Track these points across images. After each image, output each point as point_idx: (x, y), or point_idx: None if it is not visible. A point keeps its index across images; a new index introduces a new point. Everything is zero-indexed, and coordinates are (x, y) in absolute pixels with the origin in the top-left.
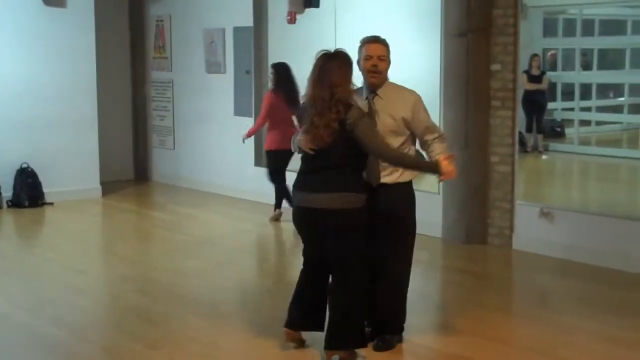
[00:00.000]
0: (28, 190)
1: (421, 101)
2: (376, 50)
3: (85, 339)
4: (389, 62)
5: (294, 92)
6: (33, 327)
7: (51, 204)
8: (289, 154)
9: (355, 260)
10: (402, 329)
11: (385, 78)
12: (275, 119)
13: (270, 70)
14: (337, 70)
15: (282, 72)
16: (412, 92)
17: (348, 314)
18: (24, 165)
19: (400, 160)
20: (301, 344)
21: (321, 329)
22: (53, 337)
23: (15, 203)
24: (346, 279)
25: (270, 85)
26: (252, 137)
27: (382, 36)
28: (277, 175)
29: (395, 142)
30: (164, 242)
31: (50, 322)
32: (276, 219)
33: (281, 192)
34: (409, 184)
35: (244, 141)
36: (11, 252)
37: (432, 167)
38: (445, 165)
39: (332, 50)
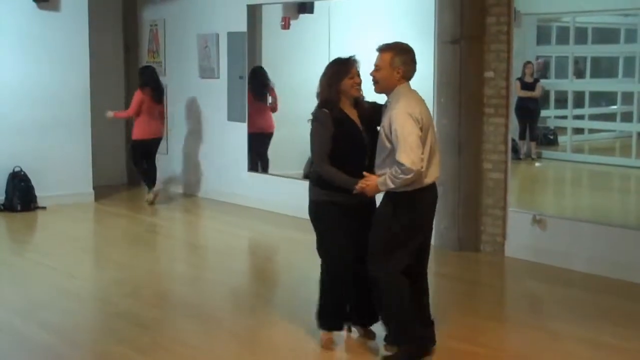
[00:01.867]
0: (20, 194)
1: (402, 119)
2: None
3: (76, 344)
4: (385, 70)
5: (160, 90)
6: (23, 331)
7: (44, 208)
8: (155, 141)
9: (320, 253)
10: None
11: (389, 85)
12: (142, 113)
13: (139, 71)
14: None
15: (147, 73)
16: (401, 103)
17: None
18: (17, 169)
19: (320, 171)
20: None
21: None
22: (43, 342)
23: (8, 207)
24: (322, 267)
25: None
26: (246, 141)
27: (376, 42)
28: (141, 160)
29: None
30: (156, 247)
31: (41, 326)
32: (152, 201)
33: (147, 173)
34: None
35: (107, 116)
36: (3, 256)
37: (349, 185)
38: (364, 182)
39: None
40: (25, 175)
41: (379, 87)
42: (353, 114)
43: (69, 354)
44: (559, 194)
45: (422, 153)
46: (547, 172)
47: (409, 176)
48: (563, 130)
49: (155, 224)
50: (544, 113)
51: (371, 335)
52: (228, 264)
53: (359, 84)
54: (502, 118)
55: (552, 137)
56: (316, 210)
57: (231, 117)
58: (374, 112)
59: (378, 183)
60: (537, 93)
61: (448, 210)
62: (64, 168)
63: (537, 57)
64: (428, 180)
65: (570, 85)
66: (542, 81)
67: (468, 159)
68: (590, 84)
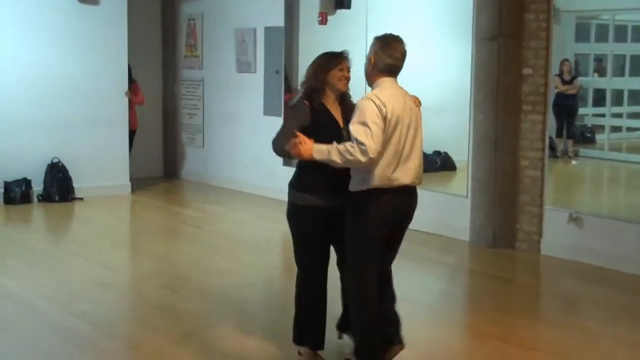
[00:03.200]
0: (58, 185)
1: (363, 104)
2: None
3: (111, 334)
4: (366, 59)
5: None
6: (60, 321)
7: (81, 199)
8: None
9: (296, 258)
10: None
11: (368, 75)
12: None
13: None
14: None
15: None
16: (370, 93)
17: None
18: (55, 160)
19: (275, 150)
20: None
21: None
22: (79, 331)
23: (46, 197)
24: (297, 277)
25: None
26: None
27: (413, 39)
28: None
29: None
30: (191, 239)
31: (77, 316)
32: None
33: None
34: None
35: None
36: (40, 246)
37: (285, 142)
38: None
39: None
40: (63, 166)
41: (365, 78)
42: (336, 109)
43: (104, 344)
44: (595, 193)
45: (379, 143)
46: (584, 170)
47: (362, 159)
48: (600, 128)
49: (191, 217)
50: (581, 111)
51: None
52: (263, 258)
53: (347, 78)
54: (539, 115)
55: (589, 135)
56: (290, 213)
57: (267, 111)
58: None
59: (315, 149)
60: (575, 90)
61: (484, 207)
62: (102, 160)
63: (579, 55)
64: (395, 182)
65: (609, 83)
66: (581, 79)
67: (504, 156)
68: (629, 82)
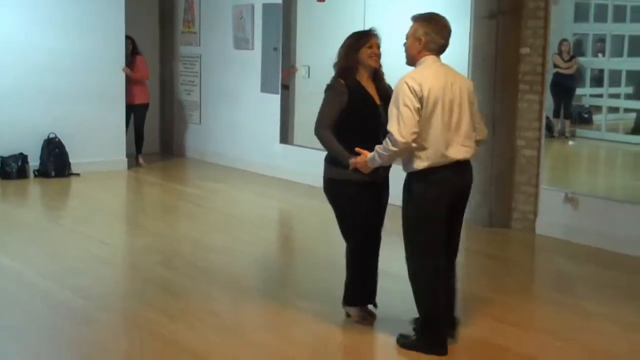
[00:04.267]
0: (55, 160)
1: (397, 86)
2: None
3: (108, 309)
4: (409, 40)
5: None
6: (57, 296)
7: (77, 174)
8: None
9: (343, 231)
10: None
11: (412, 55)
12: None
13: (127, 40)
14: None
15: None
16: (408, 74)
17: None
18: (51, 136)
19: (318, 135)
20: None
21: None
22: (77, 306)
23: (42, 173)
24: (346, 248)
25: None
26: (279, 112)
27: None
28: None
29: None
30: (188, 216)
31: (74, 291)
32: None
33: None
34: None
35: (123, 70)
36: (37, 222)
37: (343, 157)
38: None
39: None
40: (59, 141)
41: (406, 58)
42: (370, 87)
43: (101, 318)
44: (591, 173)
45: (417, 128)
46: (580, 150)
47: (394, 149)
48: (598, 108)
49: (188, 193)
50: (579, 91)
51: (371, 317)
52: (259, 235)
53: (378, 55)
54: (537, 95)
55: (586, 116)
56: (331, 188)
57: (264, 88)
58: (391, 91)
59: (368, 159)
60: (573, 70)
61: (480, 187)
62: (98, 135)
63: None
64: (447, 159)
65: (607, 63)
66: (580, 59)
67: (501, 136)
68: (627, 63)
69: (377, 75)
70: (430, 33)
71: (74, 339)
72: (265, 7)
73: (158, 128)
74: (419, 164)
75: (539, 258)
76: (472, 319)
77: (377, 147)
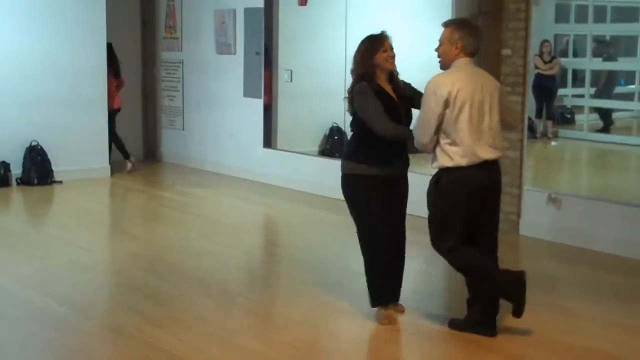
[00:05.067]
0: (37, 168)
1: (426, 89)
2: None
3: (91, 317)
4: (445, 44)
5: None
6: (39, 304)
7: (60, 182)
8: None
9: (358, 226)
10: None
11: (448, 59)
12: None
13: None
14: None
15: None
16: (436, 77)
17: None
18: (34, 143)
19: (385, 131)
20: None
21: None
22: (59, 314)
23: (25, 181)
24: (361, 240)
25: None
26: (262, 117)
27: (394, 20)
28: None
29: None
30: (171, 222)
31: (56, 299)
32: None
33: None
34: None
35: None
36: (19, 230)
37: (408, 135)
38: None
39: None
40: (42, 149)
41: (441, 63)
42: (389, 88)
43: (84, 326)
44: (574, 173)
45: (435, 132)
46: (563, 151)
47: (417, 146)
48: (580, 109)
49: (172, 199)
50: (561, 92)
51: (400, 309)
52: (243, 240)
53: (393, 57)
54: (518, 96)
55: (569, 116)
56: (349, 184)
57: (247, 93)
58: (408, 90)
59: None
60: (554, 70)
61: None
62: (81, 143)
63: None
64: (472, 159)
65: (588, 64)
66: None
67: None
68: (608, 63)
69: (392, 75)
70: (467, 36)
71: (57, 348)
72: (247, 11)
73: (141, 134)
74: (448, 162)
75: (523, 259)
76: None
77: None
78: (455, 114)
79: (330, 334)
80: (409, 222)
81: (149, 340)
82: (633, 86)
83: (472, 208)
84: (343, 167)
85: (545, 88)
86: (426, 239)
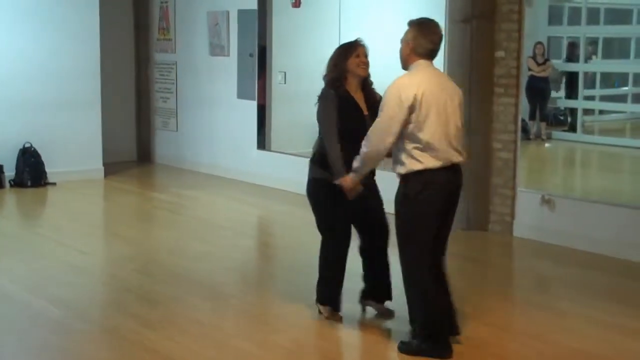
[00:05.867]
0: (30, 170)
1: (387, 91)
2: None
3: (85, 318)
4: (402, 44)
5: None
6: (33, 306)
7: (54, 184)
8: None
9: (321, 229)
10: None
11: (404, 60)
12: None
13: None
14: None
15: None
16: (398, 79)
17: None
18: (27, 145)
19: (328, 147)
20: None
21: None
22: (53, 316)
23: (18, 182)
24: (322, 244)
25: None
26: (256, 119)
27: (387, 22)
28: None
29: None
30: (166, 224)
31: (51, 301)
32: None
33: None
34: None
35: None
36: (13, 232)
37: (337, 174)
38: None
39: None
40: (35, 151)
41: (400, 62)
42: (359, 96)
43: (78, 328)
44: (568, 175)
45: (393, 138)
46: (556, 152)
47: (365, 150)
48: (573, 111)
49: (166, 201)
50: (554, 94)
51: (388, 315)
52: (237, 241)
53: (365, 64)
54: (512, 98)
55: (562, 118)
56: (315, 188)
57: (241, 94)
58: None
59: (352, 170)
60: (547, 73)
61: None
62: (74, 144)
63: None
64: (437, 163)
65: (581, 66)
66: (553, 61)
67: (477, 138)
68: (601, 65)
69: (365, 84)
70: (419, 37)
71: (51, 349)
72: (241, 13)
73: (135, 136)
74: (415, 165)
75: (517, 260)
76: None
77: (356, 157)
78: (422, 117)
79: (324, 335)
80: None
81: (143, 342)
82: (626, 88)
83: (442, 211)
84: (311, 171)
85: (539, 90)
86: None
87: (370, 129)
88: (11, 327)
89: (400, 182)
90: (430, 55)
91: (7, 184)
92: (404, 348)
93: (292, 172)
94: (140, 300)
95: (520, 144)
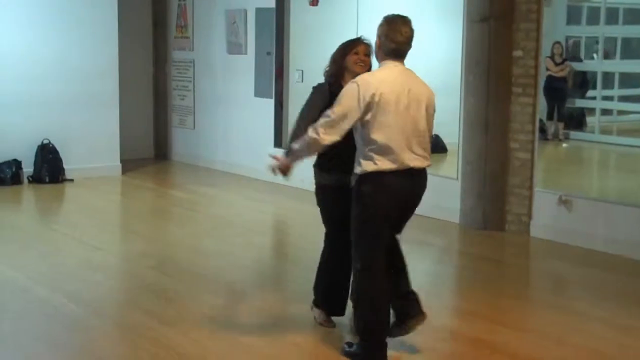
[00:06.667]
0: (49, 166)
1: (346, 86)
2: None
3: (101, 315)
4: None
5: None
6: (50, 302)
7: (71, 180)
8: None
9: (326, 231)
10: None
11: (376, 56)
12: None
13: None
14: None
15: None
16: (360, 76)
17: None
18: (45, 142)
19: (295, 125)
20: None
21: None
22: (70, 312)
23: (36, 179)
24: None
25: None
26: (272, 117)
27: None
28: None
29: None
30: (182, 221)
31: (68, 297)
32: None
33: None
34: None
35: None
36: (31, 227)
37: (288, 150)
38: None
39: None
40: (53, 147)
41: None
42: None
43: (95, 324)
44: (585, 175)
45: (339, 135)
46: (574, 153)
47: (311, 136)
48: (591, 111)
49: (182, 198)
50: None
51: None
52: (252, 239)
53: (364, 61)
54: (530, 98)
55: (580, 118)
56: (315, 193)
57: (258, 93)
58: None
59: (291, 156)
60: (565, 73)
61: (474, 190)
62: (92, 141)
63: (571, 38)
64: (396, 164)
65: (600, 66)
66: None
67: (495, 138)
68: (620, 65)
69: None
70: (383, 36)
71: (67, 345)
72: (258, 11)
73: (152, 133)
74: (370, 166)
75: (534, 260)
76: (466, 320)
77: (299, 139)
78: (379, 118)
79: (337, 334)
80: (414, 223)
81: (158, 338)
82: None
83: (390, 215)
84: (314, 175)
85: (557, 90)
86: (434, 239)
87: (321, 119)
88: (27, 322)
89: (356, 180)
90: (396, 55)
91: (26, 180)
92: (345, 349)
93: (308, 170)
94: (156, 296)
95: (538, 144)
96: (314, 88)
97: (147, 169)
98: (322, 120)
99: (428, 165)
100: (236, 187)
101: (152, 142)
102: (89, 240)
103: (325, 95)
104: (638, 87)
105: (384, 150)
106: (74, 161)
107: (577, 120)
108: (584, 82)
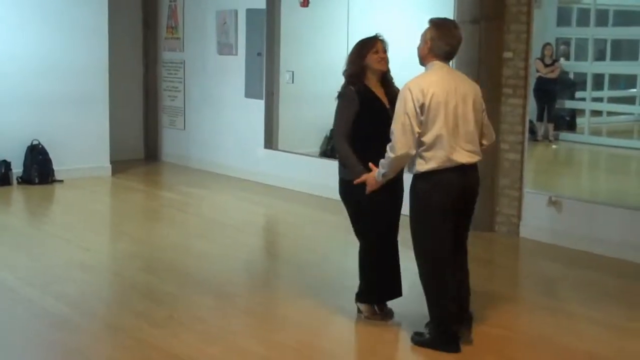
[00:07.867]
0: (38, 167)
1: (401, 93)
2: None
3: (91, 316)
4: (421, 42)
5: None
6: (40, 303)
7: (61, 181)
8: None
9: (355, 228)
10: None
11: (422, 58)
12: None
13: None
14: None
15: None
16: (412, 80)
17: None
18: (35, 142)
19: (336, 147)
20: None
21: None
22: (59, 313)
23: (25, 179)
24: (359, 247)
25: None
26: (263, 118)
27: (395, 22)
28: None
29: None
30: (172, 222)
31: (57, 298)
32: None
33: None
34: (414, 178)
35: None
36: (20, 228)
37: (354, 172)
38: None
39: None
40: (43, 148)
41: (419, 59)
42: (379, 91)
43: (84, 325)
44: (575, 176)
45: (419, 136)
46: (564, 154)
47: (391, 155)
48: (581, 112)
49: (173, 199)
50: (562, 95)
51: (390, 315)
52: (243, 240)
53: (384, 59)
54: (520, 99)
55: (569, 120)
56: (346, 189)
57: (248, 93)
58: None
59: (376, 174)
60: (555, 74)
61: None
62: (82, 142)
63: (561, 40)
64: (448, 162)
65: (590, 67)
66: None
67: None
68: (609, 67)
69: (385, 79)
70: (435, 39)
71: (56, 346)
72: (249, 12)
73: (142, 134)
74: (423, 166)
75: (523, 261)
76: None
77: (381, 160)
78: (431, 117)
79: (329, 335)
80: (405, 224)
81: (149, 339)
82: (634, 90)
83: (452, 211)
84: (338, 171)
85: (547, 91)
86: None
87: (392, 133)
88: (16, 324)
89: (412, 181)
90: (447, 56)
91: (15, 181)
92: (416, 339)
93: (299, 171)
94: (146, 297)
95: (528, 145)
96: (340, 95)
97: (137, 170)
98: (394, 133)
99: (479, 160)
100: (226, 188)
101: (142, 143)
102: (78, 241)
103: (353, 97)
104: (627, 88)
105: (435, 150)
106: (64, 162)
107: (567, 121)
108: (573, 84)
